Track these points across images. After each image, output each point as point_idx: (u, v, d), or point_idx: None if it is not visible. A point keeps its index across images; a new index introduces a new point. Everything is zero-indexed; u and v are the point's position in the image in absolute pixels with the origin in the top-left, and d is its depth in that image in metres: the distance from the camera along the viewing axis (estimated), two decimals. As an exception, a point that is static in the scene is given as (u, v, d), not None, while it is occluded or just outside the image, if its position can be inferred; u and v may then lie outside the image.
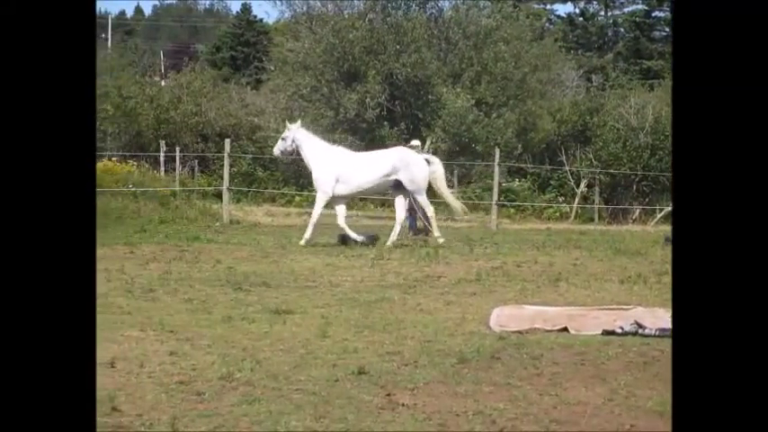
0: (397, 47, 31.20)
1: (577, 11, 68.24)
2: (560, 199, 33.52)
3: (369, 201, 30.09)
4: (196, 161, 35.64)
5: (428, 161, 18.67)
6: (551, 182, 34.61)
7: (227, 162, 25.27)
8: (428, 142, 28.04)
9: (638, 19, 65.55)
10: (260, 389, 6.87)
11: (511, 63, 33.43)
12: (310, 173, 19.02)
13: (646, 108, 33.86)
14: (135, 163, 29.51)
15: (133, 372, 7.35)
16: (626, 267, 14.63)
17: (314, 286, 12.45)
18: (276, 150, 19.58)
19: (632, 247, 17.86)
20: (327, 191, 18.27)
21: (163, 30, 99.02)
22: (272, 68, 40.12)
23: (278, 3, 38.87)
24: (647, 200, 32.00)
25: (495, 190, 25.95)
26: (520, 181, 34.57)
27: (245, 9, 76.16)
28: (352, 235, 17.97)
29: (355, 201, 27.50)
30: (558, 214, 31.48)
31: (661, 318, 9.44)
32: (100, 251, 15.62)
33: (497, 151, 26.38)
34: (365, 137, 30.41)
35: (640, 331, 9.11)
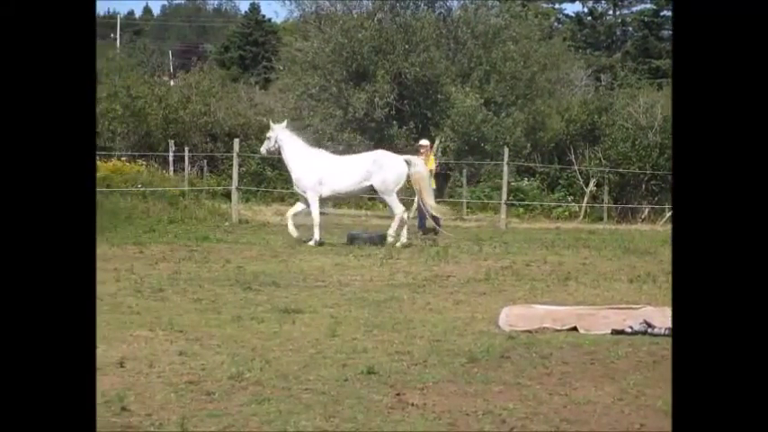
0: (406, 46, 31.20)
1: (586, 10, 68.11)
2: (569, 198, 33.44)
3: (377, 201, 30.05)
4: (205, 161, 35.61)
5: (408, 162, 18.60)
6: (560, 181, 34.53)
7: (236, 162, 25.27)
8: (437, 142, 28.00)
9: (646, 18, 65.39)
10: (269, 388, 6.87)
11: (520, 62, 33.41)
12: (289, 173, 19.10)
13: (654, 107, 33.78)
14: (144, 163, 29.52)
15: (142, 371, 7.36)
16: (635, 267, 14.62)
17: (323, 286, 12.46)
18: (263, 149, 19.74)
19: (641, 247, 17.86)
20: (315, 189, 18.32)
21: (172, 29, 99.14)
22: (281, 68, 40.09)
23: (287, 2, 38.90)
24: (656, 199, 31.90)
25: (504, 189, 25.91)
26: (529, 180, 34.49)
27: (254, 9, 76.26)
28: (291, 229, 18.05)
29: (363, 200, 27.52)
30: (567, 213, 31.40)
31: (670, 317, 9.42)
32: (109, 251, 15.74)
33: (506, 150, 26.34)
34: (374, 136, 30.41)
35: (650, 330, 9.10)
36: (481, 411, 6.36)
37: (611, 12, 68.37)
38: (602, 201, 32.13)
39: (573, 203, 32.38)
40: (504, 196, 25.85)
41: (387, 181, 18.24)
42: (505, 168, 26.11)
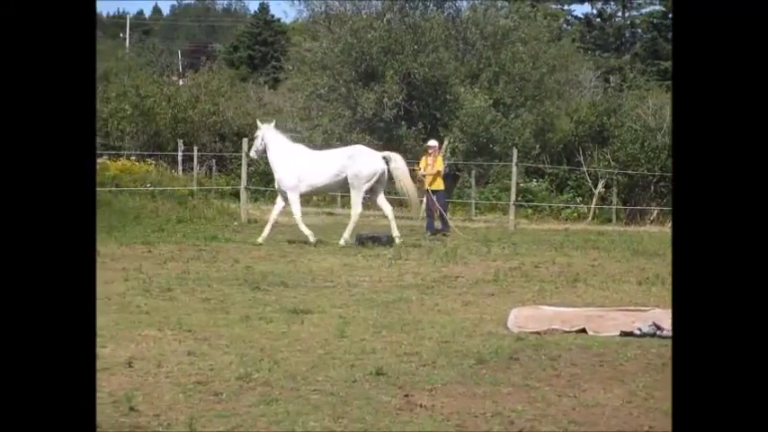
0: (415, 47, 31.20)
1: (595, 12, 68.11)
2: (578, 199, 33.46)
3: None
4: (214, 160, 35.69)
5: (387, 159, 18.54)
6: (569, 182, 34.56)
7: (244, 161, 25.27)
8: (446, 142, 27.98)
9: (655, 20, 65.31)
10: (278, 389, 6.87)
11: (528, 63, 33.38)
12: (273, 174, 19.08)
13: (663, 109, 33.77)
14: (153, 162, 29.57)
15: (151, 371, 7.36)
16: (644, 268, 14.60)
17: (332, 286, 12.45)
18: (252, 151, 19.62)
19: (650, 248, 17.82)
20: (295, 189, 18.29)
21: (181, 29, 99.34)
22: (290, 68, 40.11)
23: (296, 2, 38.86)
24: (664, 201, 31.87)
25: (513, 190, 25.89)
26: (538, 181, 34.53)
27: (263, 8, 76.46)
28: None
29: (372, 201, 27.48)
30: (575, 215, 31.43)
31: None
32: (118, 250, 15.77)
33: (515, 151, 26.31)
34: (383, 136, 30.40)
35: (659, 333, 9.07)
36: (490, 413, 6.35)
37: (619, 13, 68.36)
38: (611, 202, 32.15)
39: (582, 205, 32.40)
40: (513, 197, 25.83)
41: (359, 174, 18.10)
42: (514, 169, 26.09)
